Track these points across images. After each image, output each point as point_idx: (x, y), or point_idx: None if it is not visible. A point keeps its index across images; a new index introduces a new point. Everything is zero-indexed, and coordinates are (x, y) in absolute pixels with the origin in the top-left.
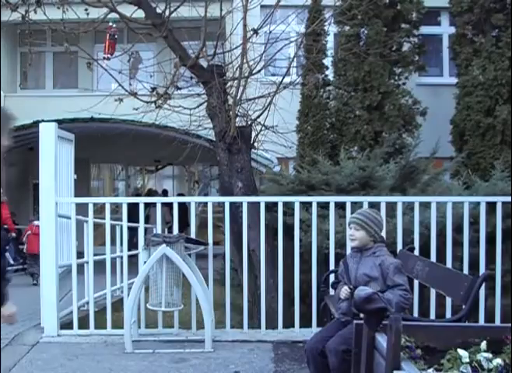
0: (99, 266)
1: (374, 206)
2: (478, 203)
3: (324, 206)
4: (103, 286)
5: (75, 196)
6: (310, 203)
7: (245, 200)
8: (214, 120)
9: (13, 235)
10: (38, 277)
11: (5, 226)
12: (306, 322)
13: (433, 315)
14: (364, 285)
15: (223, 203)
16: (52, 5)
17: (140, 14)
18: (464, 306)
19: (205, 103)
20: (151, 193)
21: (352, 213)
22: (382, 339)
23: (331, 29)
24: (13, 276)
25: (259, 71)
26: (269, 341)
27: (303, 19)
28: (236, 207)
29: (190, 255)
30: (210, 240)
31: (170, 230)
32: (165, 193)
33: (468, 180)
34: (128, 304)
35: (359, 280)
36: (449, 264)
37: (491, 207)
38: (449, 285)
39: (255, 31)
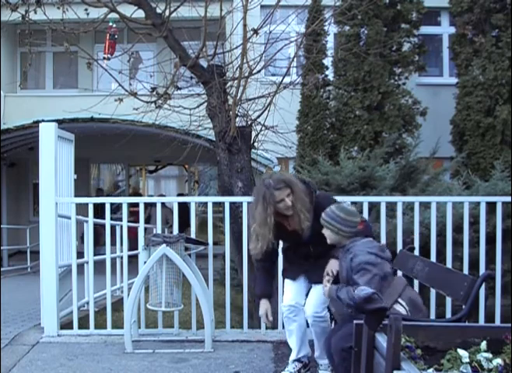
0: (100, 266)
1: (374, 206)
2: (478, 203)
3: None
4: (103, 286)
5: (75, 196)
6: None
7: (245, 200)
8: (214, 120)
9: None
10: None
11: None
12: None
13: (433, 315)
14: (346, 283)
15: (223, 203)
16: (52, 5)
17: (140, 14)
18: (464, 306)
19: (205, 103)
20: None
21: None
22: (382, 339)
23: (331, 29)
24: (14, 276)
25: (259, 71)
26: (269, 341)
27: (303, 19)
28: (236, 207)
29: (190, 255)
30: (210, 240)
31: (171, 230)
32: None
33: (468, 180)
34: (128, 304)
35: (343, 278)
36: (449, 264)
37: (491, 207)
38: (449, 285)
39: (255, 31)
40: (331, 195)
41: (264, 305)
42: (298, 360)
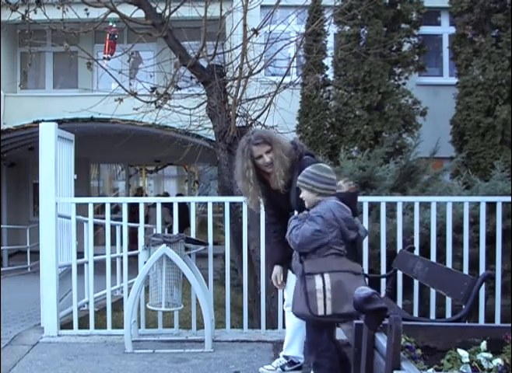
0: (100, 266)
1: (374, 206)
2: (478, 203)
3: None
4: (103, 286)
5: (75, 196)
6: None
7: (245, 200)
8: (214, 120)
9: None
10: None
11: None
12: None
13: (433, 315)
14: None
15: (223, 203)
16: (52, 5)
17: (140, 14)
18: (464, 306)
19: (205, 103)
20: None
21: None
22: (382, 339)
23: (331, 29)
24: (14, 276)
25: (259, 71)
26: (269, 341)
27: (303, 19)
28: (236, 207)
29: (190, 255)
30: (210, 240)
31: (170, 230)
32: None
33: (468, 180)
34: (128, 304)
35: None
36: (449, 264)
37: (491, 207)
38: (449, 285)
39: (255, 31)
40: (319, 161)
41: (274, 270)
42: (285, 356)
